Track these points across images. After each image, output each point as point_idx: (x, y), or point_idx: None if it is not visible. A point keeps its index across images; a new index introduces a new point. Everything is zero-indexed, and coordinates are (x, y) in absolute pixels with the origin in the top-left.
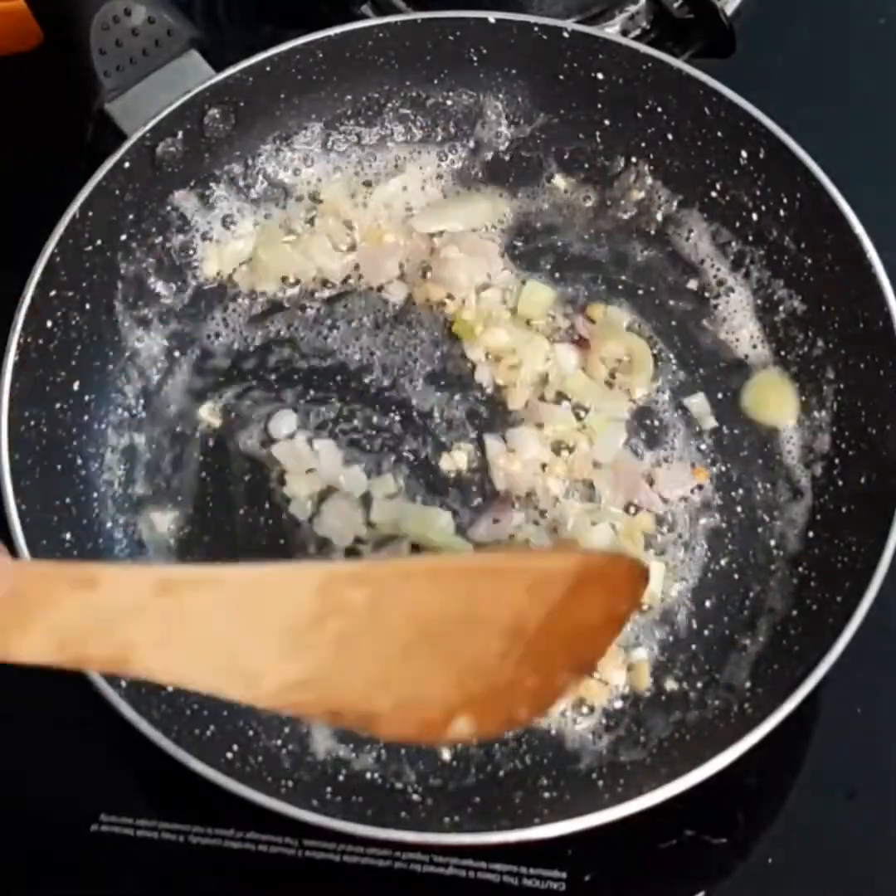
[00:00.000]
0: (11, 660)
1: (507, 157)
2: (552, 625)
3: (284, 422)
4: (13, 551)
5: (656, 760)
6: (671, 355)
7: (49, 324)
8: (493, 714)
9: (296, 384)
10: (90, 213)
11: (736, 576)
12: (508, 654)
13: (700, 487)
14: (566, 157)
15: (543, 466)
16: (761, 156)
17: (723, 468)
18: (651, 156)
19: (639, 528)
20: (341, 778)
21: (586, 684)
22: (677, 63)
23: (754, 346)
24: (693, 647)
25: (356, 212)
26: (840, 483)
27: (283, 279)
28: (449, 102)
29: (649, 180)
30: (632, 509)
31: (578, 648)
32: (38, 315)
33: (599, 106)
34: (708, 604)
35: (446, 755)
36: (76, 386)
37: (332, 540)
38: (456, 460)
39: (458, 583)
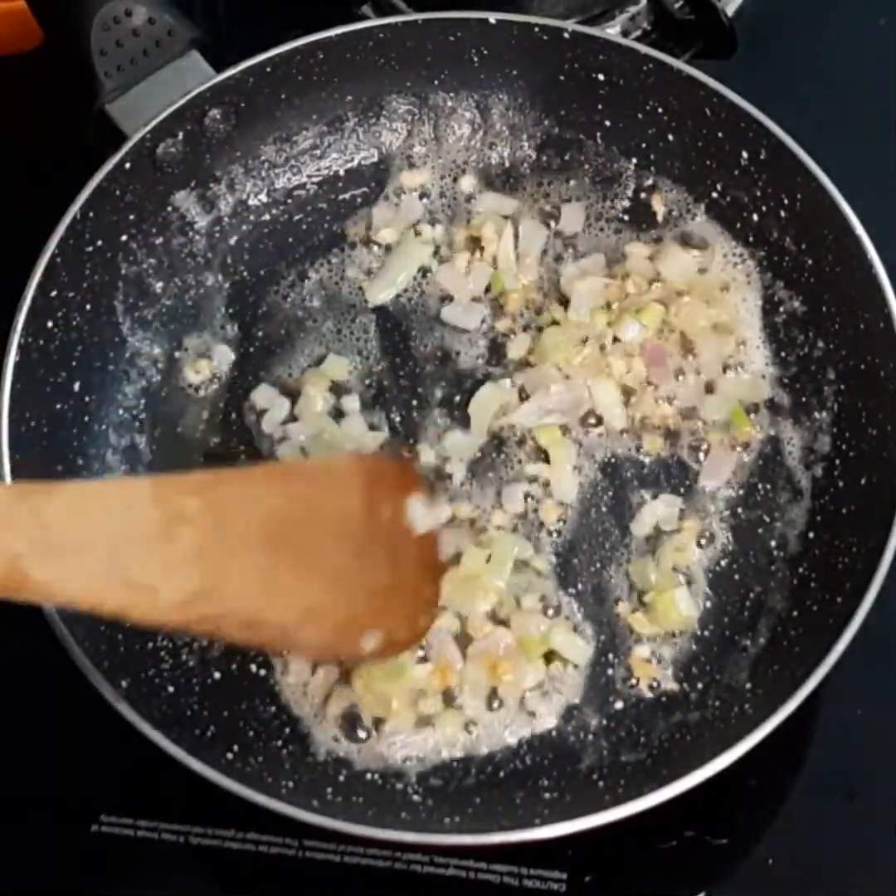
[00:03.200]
0: None
1: (507, 159)
2: (371, 525)
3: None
4: None
5: (657, 761)
6: None
7: (49, 324)
8: (392, 620)
9: None
10: (91, 214)
11: (736, 577)
12: (361, 555)
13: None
14: (567, 157)
15: None
16: (762, 156)
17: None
18: (651, 156)
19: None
20: (341, 778)
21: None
22: (678, 64)
23: (756, 347)
24: (693, 647)
25: None
26: (840, 484)
27: None
28: (450, 103)
29: (649, 181)
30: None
31: (412, 551)
32: (38, 316)
33: (600, 106)
34: (708, 604)
35: (446, 755)
36: (76, 386)
37: None
38: None
39: (273, 489)
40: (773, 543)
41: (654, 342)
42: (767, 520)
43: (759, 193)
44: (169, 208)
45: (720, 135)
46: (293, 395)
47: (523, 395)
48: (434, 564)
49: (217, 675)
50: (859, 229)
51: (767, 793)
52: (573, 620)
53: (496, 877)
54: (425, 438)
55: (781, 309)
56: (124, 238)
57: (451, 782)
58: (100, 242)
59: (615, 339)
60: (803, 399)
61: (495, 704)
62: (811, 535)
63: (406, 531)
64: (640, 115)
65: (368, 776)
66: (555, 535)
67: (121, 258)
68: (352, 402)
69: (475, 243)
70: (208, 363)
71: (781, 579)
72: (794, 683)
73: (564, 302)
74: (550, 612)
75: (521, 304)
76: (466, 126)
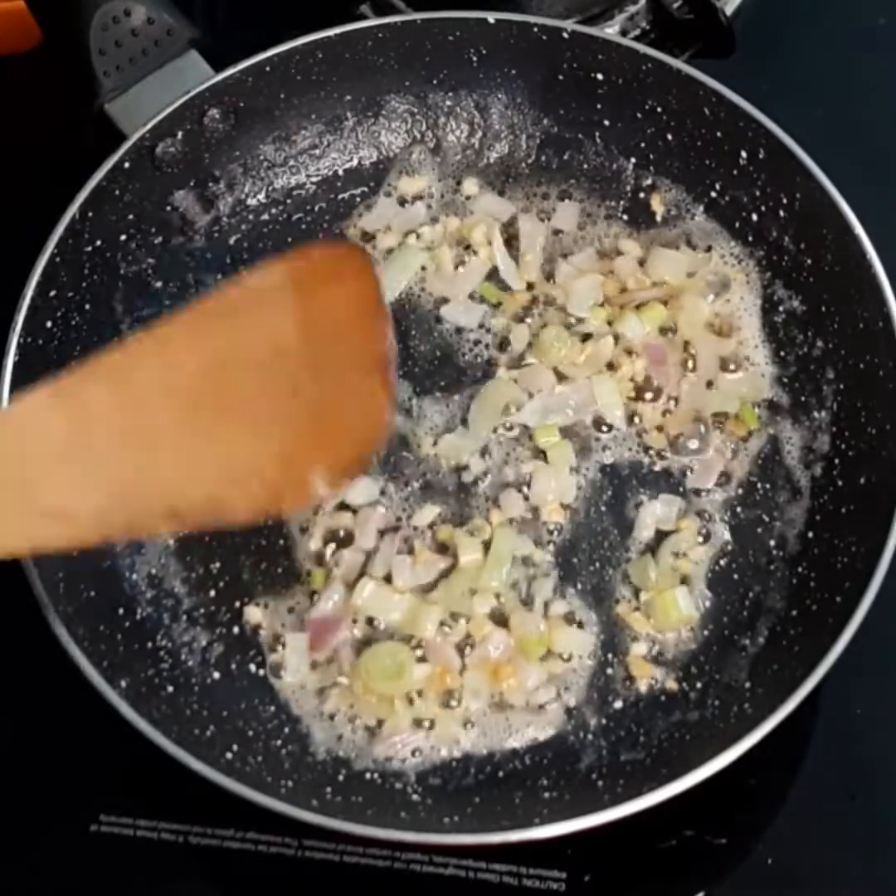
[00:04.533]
0: None
1: (506, 158)
2: (311, 332)
3: None
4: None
5: (656, 760)
6: None
7: (49, 324)
8: (336, 452)
9: None
10: (90, 214)
11: (735, 576)
12: (298, 383)
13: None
14: (566, 157)
15: None
16: (761, 156)
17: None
18: (650, 156)
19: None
20: (341, 778)
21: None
22: (677, 63)
23: (755, 346)
24: (693, 647)
25: None
26: (840, 483)
27: None
28: (449, 103)
29: (649, 180)
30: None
31: (357, 347)
32: (38, 315)
33: (599, 106)
34: (707, 604)
35: (445, 754)
36: None
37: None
38: None
39: (192, 343)
40: (772, 543)
41: (654, 342)
42: (766, 519)
43: (758, 193)
44: (168, 208)
45: (719, 134)
46: None
47: (526, 395)
48: (384, 357)
49: (217, 675)
50: (859, 229)
51: (767, 793)
52: (573, 620)
53: (496, 876)
54: (425, 438)
55: (781, 308)
56: (124, 238)
57: (451, 782)
58: (99, 242)
59: (616, 338)
60: (803, 398)
61: (495, 705)
62: (810, 534)
63: (351, 329)
64: (639, 115)
65: (368, 776)
66: (554, 535)
67: (120, 258)
68: None
69: (470, 244)
70: None
71: (781, 579)
72: (793, 683)
73: (564, 300)
74: (550, 612)
75: (521, 302)
76: (465, 126)
